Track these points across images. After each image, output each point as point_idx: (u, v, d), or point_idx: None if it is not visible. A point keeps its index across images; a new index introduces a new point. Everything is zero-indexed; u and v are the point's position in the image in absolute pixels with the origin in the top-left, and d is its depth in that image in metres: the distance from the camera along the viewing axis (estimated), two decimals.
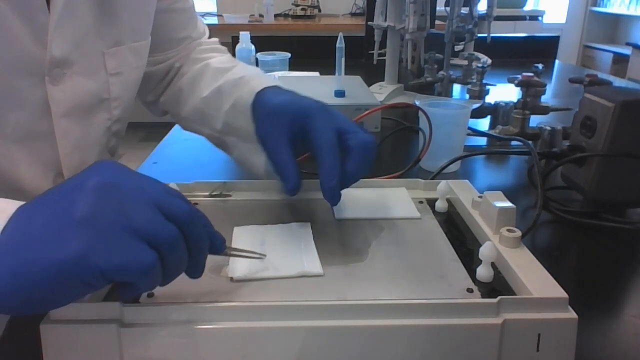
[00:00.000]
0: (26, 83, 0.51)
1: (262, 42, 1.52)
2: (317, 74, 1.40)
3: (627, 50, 3.94)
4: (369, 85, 1.21)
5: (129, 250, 0.32)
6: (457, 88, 1.41)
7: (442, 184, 0.56)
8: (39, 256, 0.31)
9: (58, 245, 0.31)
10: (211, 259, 0.45)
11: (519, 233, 0.45)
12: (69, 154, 0.56)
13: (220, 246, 0.39)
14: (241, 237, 0.48)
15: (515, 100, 0.97)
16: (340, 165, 0.48)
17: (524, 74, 0.99)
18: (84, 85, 0.56)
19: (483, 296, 0.40)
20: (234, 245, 0.47)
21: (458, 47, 1.46)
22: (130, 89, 0.65)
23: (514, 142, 0.90)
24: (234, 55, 1.09)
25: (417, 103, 0.77)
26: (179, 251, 0.34)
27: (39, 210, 0.33)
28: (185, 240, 0.34)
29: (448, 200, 0.57)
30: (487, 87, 1.20)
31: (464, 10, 1.20)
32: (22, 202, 0.34)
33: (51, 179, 0.56)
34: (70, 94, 0.55)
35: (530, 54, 1.84)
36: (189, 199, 0.56)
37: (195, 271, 0.37)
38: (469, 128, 0.83)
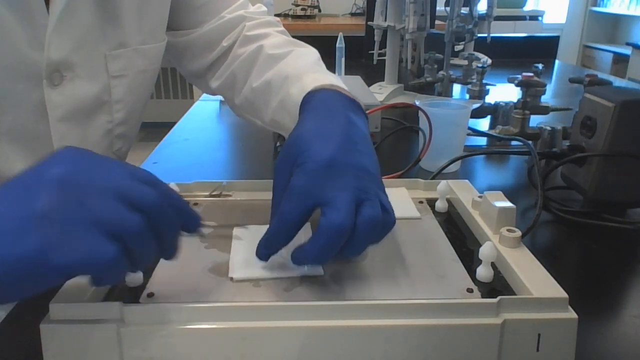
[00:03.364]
0: (23, 86, 0.51)
1: None
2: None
3: (627, 50, 3.94)
4: (369, 85, 1.21)
5: (88, 245, 0.31)
6: (457, 88, 1.41)
7: (442, 184, 0.56)
8: None
9: (15, 242, 0.30)
10: (211, 259, 0.45)
11: (519, 233, 0.45)
12: None
13: (193, 225, 0.38)
14: (241, 237, 0.48)
15: (515, 100, 0.97)
16: (283, 238, 0.41)
17: (524, 74, 0.99)
18: (84, 88, 0.55)
19: (483, 296, 0.40)
20: (234, 245, 0.47)
21: (458, 47, 1.46)
22: (136, 92, 0.63)
23: (514, 142, 0.90)
24: None
25: (417, 103, 0.77)
26: (145, 240, 0.33)
27: None
28: (153, 227, 0.34)
29: (448, 200, 0.57)
30: (487, 87, 1.20)
31: (464, 10, 1.20)
32: None
33: None
34: (69, 97, 0.54)
35: (530, 54, 1.84)
36: (188, 199, 0.57)
37: (168, 253, 0.37)
38: (469, 128, 0.83)
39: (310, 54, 0.64)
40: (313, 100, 0.51)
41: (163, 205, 0.34)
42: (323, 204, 0.39)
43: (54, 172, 0.32)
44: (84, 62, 0.54)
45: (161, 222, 0.34)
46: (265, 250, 0.42)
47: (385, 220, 0.41)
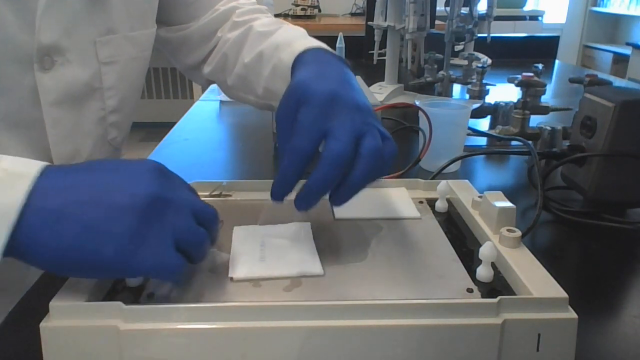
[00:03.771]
0: (14, 70, 0.51)
1: None
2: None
3: (627, 50, 3.94)
4: (369, 85, 1.21)
5: (161, 256, 0.36)
6: (457, 88, 1.41)
7: (442, 184, 0.56)
8: (83, 247, 0.35)
9: (102, 245, 0.35)
10: (211, 259, 0.45)
11: (519, 233, 0.45)
12: (59, 142, 0.56)
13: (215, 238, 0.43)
14: (241, 237, 0.48)
15: (515, 100, 0.97)
16: (297, 171, 0.43)
17: (524, 74, 0.99)
18: (75, 73, 0.55)
19: (483, 296, 0.40)
20: (234, 245, 0.47)
21: (458, 47, 1.46)
22: (128, 79, 0.63)
23: (514, 142, 0.90)
24: None
25: (417, 103, 0.77)
26: (206, 249, 0.40)
27: (80, 198, 0.36)
28: (211, 238, 0.40)
29: (448, 200, 0.57)
30: (487, 87, 1.20)
31: (464, 10, 1.20)
32: (39, 163, 0.37)
33: None
34: (60, 82, 0.54)
35: (530, 54, 1.84)
36: None
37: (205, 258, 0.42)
38: (469, 128, 0.83)
39: (299, 29, 0.66)
40: (304, 58, 0.54)
41: (217, 220, 0.41)
42: (327, 135, 0.42)
43: (143, 191, 0.37)
44: (74, 48, 0.54)
45: (215, 234, 0.41)
46: (279, 189, 0.43)
47: (387, 149, 0.44)
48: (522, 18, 3.97)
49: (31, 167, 0.36)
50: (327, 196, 0.44)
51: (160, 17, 0.68)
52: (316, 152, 0.42)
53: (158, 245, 0.36)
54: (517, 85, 0.98)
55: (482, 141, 0.96)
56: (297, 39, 0.59)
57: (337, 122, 0.42)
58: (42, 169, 0.36)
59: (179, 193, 0.39)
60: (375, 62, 1.32)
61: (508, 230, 0.45)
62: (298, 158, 0.42)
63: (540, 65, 1.15)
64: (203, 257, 0.40)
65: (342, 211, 0.54)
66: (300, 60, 0.55)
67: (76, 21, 0.54)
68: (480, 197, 0.52)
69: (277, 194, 0.43)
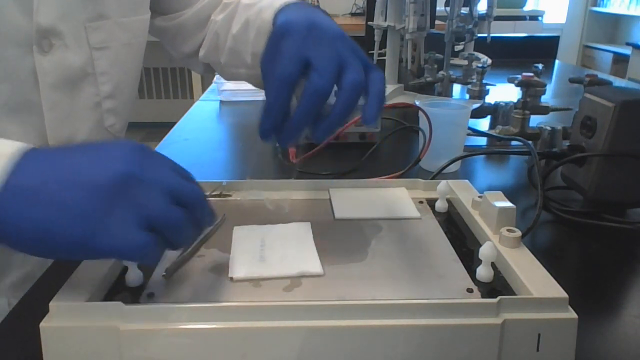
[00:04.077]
0: (14, 53, 0.51)
1: None
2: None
3: (627, 50, 3.94)
4: None
5: (124, 236, 0.34)
6: (457, 88, 1.41)
7: (442, 184, 0.56)
8: (51, 227, 0.34)
9: (69, 226, 0.34)
10: (211, 259, 0.45)
11: (519, 233, 0.45)
12: (56, 126, 0.56)
13: (211, 221, 0.41)
14: (241, 237, 0.48)
15: (515, 100, 0.97)
16: (282, 101, 0.43)
17: (524, 74, 0.98)
18: (71, 57, 0.56)
19: (483, 296, 0.40)
20: (234, 245, 0.47)
21: (458, 47, 1.46)
22: (122, 66, 0.63)
23: (514, 142, 0.90)
24: None
25: (417, 103, 0.77)
26: (183, 230, 0.37)
27: (54, 178, 0.35)
28: (192, 219, 0.38)
29: (448, 200, 0.57)
30: (487, 87, 1.20)
31: (464, 10, 1.20)
32: (16, 144, 0.36)
33: None
34: (58, 65, 0.55)
35: (530, 54, 1.84)
36: None
37: (189, 242, 0.41)
38: (469, 128, 0.83)
39: None
40: (284, 10, 0.54)
41: (201, 200, 0.39)
42: (310, 65, 0.43)
43: (115, 169, 0.35)
44: (69, 31, 0.55)
45: (198, 215, 0.38)
46: (266, 120, 0.43)
47: (372, 80, 0.44)
48: (522, 18, 3.97)
49: (10, 147, 0.35)
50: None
51: (154, 6, 0.69)
52: (298, 79, 0.43)
53: (122, 225, 0.34)
54: (517, 85, 0.98)
55: (482, 141, 0.96)
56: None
57: (319, 51, 0.43)
58: (22, 148, 0.36)
59: (158, 172, 0.37)
60: (375, 62, 1.32)
61: (508, 230, 0.45)
62: (282, 86, 0.43)
63: (540, 65, 1.15)
64: (184, 241, 0.38)
65: (342, 211, 0.54)
66: (280, 13, 0.54)
67: (70, 5, 0.55)
68: (480, 197, 0.52)
69: (265, 127, 0.44)
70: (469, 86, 1.21)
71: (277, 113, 0.43)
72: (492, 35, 1.23)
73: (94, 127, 0.62)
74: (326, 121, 0.43)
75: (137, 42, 0.65)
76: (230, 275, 0.42)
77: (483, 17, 1.21)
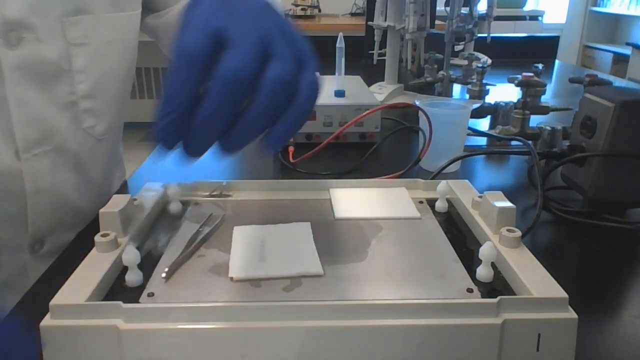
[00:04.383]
0: None
1: None
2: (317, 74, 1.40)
3: (627, 50, 3.94)
4: (369, 85, 1.21)
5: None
6: (457, 88, 1.41)
7: (442, 184, 0.56)
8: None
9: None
10: (211, 259, 0.45)
11: (519, 233, 0.45)
12: (24, 124, 0.53)
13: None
14: (241, 237, 0.48)
15: (515, 100, 0.97)
16: (182, 84, 0.31)
17: (524, 74, 0.98)
18: (43, 52, 0.53)
19: (483, 296, 0.40)
20: (234, 245, 0.47)
21: (458, 47, 1.46)
22: (104, 64, 0.59)
23: (514, 142, 0.90)
24: None
25: (417, 103, 0.77)
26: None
27: None
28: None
29: (448, 200, 0.57)
30: (487, 87, 1.20)
31: (464, 10, 1.20)
32: None
33: (12, 152, 0.54)
34: (27, 59, 0.52)
35: (530, 54, 1.84)
36: (188, 199, 0.57)
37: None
38: (469, 128, 0.83)
39: None
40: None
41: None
42: (223, 39, 0.32)
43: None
44: (43, 25, 0.52)
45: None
46: (163, 114, 0.31)
47: (302, 81, 0.33)
48: (522, 18, 3.97)
49: None
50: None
51: (145, 2, 0.65)
52: (209, 57, 0.32)
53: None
54: (517, 85, 0.98)
55: (482, 141, 0.96)
56: None
57: (237, 22, 0.32)
58: None
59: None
60: (375, 62, 1.32)
61: (508, 230, 0.45)
62: (184, 64, 0.31)
63: (540, 65, 1.15)
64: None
65: (342, 211, 0.54)
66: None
67: None
68: (480, 197, 0.52)
69: (162, 126, 0.31)
70: (469, 86, 1.21)
71: (177, 105, 0.31)
72: (492, 35, 1.23)
73: (70, 128, 0.58)
74: (236, 129, 0.32)
75: (123, 39, 0.61)
76: (230, 275, 0.42)
77: (483, 17, 1.21)
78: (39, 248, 0.60)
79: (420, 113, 0.77)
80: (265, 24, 0.34)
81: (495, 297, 0.37)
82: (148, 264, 0.44)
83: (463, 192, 0.56)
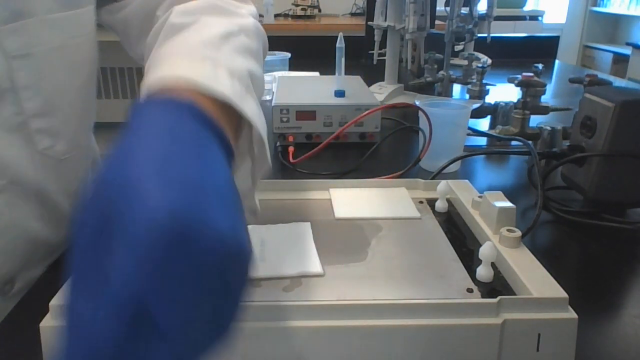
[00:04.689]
0: None
1: None
2: (317, 74, 1.40)
3: (627, 50, 3.94)
4: (369, 85, 1.21)
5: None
6: (457, 88, 1.41)
7: (442, 184, 0.56)
8: None
9: None
10: None
11: (519, 233, 0.45)
12: None
13: None
14: None
15: (515, 100, 0.97)
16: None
17: (524, 74, 0.98)
18: None
19: (483, 296, 0.40)
20: None
21: (458, 47, 1.46)
22: (53, 75, 0.50)
23: (514, 142, 0.90)
24: None
25: (417, 103, 0.77)
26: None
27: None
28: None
29: (448, 200, 0.57)
30: (487, 87, 1.20)
31: (464, 10, 1.19)
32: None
33: None
34: None
35: (530, 54, 1.84)
36: None
37: None
38: (469, 128, 0.83)
39: (218, 25, 0.42)
40: (142, 109, 0.29)
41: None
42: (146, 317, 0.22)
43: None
44: None
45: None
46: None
47: None
48: (522, 18, 3.97)
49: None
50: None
51: None
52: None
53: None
54: (517, 85, 0.98)
55: (482, 141, 0.96)
56: (179, 54, 0.37)
57: (168, 301, 0.22)
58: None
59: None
60: (375, 62, 1.32)
61: (508, 230, 0.45)
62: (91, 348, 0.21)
63: (540, 65, 1.15)
64: None
65: (342, 211, 0.54)
66: (135, 110, 0.29)
67: None
68: (480, 197, 0.52)
69: None
70: (469, 86, 1.21)
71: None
72: (492, 35, 1.23)
73: (22, 153, 0.50)
74: None
75: (76, 43, 0.52)
76: None
77: (483, 17, 1.21)
78: (9, 289, 0.52)
79: (420, 113, 0.77)
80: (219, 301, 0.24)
81: (495, 297, 0.37)
82: None
83: (463, 192, 0.56)
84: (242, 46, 0.41)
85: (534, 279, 0.40)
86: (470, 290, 0.41)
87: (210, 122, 0.29)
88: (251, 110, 0.34)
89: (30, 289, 0.50)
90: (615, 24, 4.51)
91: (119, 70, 3.80)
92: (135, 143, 0.25)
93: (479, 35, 1.25)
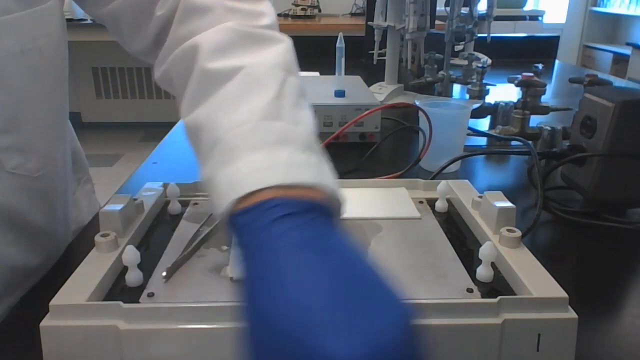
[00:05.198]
0: None
1: None
2: (317, 74, 1.40)
3: (627, 50, 3.94)
4: (369, 85, 1.21)
5: None
6: (457, 88, 1.41)
7: (442, 184, 0.56)
8: None
9: None
10: (211, 259, 0.45)
11: (519, 233, 0.45)
12: None
13: None
14: None
15: (515, 100, 0.97)
16: None
17: (524, 74, 0.99)
18: None
19: (483, 296, 0.40)
20: (234, 244, 0.47)
21: (458, 47, 1.46)
22: (13, 87, 0.44)
23: (514, 142, 0.90)
24: None
25: (417, 103, 0.77)
26: None
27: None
28: None
29: (448, 200, 0.57)
30: (487, 87, 1.20)
31: (464, 10, 1.20)
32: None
33: None
34: None
35: (530, 54, 1.84)
36: (188, 199, 0.57)
37: None
38: (469, 128, 0.83)
39: (265, 75, 0.38)
40: (253, 232, 0.29)
41: None
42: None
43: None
44: None
45: None
46: None
47: None
48: (522, 18, 3.97)
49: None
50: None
51: None
52: None
53: None
54: (517, 85, 0.98)
55: (482, 141, 0.96)
56: (246, 140, 0.34)
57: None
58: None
59: None
60: (375, 62, 1.32)
61: (508, 230, 0.45)
62: None
63: (540, 65, 1.15)
64: None
65: None
66: (243, 231, 0.31)
67: None
68: (480, 197, 0.52)
69: None
70: (469, 86, 1.21)
71: None
72: (492, 35, 1.23)
73: None
74: None
75: (38, 46, 0.45)
76: (230, 275, 0.42)
77: (483, 17, 1.21)
78: None
79: (420, 113, 0.77)
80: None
81: (495, 297, 0.37)
82: (148, 264, 0.44)
83: (463, 192, 0.56)
84: (295, 93, 0.39)
85: (534, 279, 0.40)
86: (470, 290, 0.41)
87: (327, 211, 0.31)
88: (333, 183, 0.34)
89: (29, 290, 0.50)
90: (615, 24, 4.51)
91: (119, 70, 3.80)
92: (289, 277, 0.25)
93: (479, 35, 1.25)
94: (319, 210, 0.30)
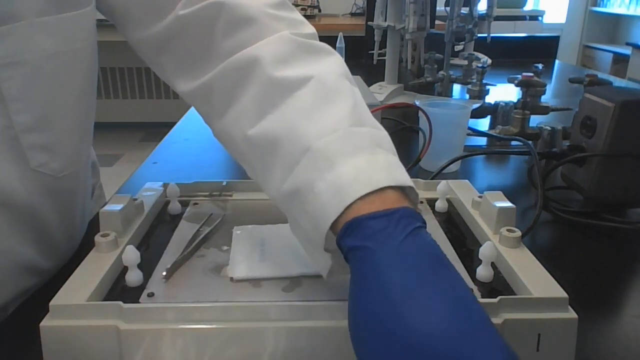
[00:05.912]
0: None
1: None
2: None
3: (627, 50, 3.94)
4: (369, 85, 1.21)
5: None
6: (457, 88, 1.41)
7: (442, 184, 0.56)
8: None
9: None
10: (211, 259, 0.45)
11: (519, 233, 0.45)
12: None
13: None
14: (241, 237, 0.48)
15: (515, 100, 0.97)
16: None
17: (524, 74, 0.98)
18: None
19: (483, 296, 0.40)
20: (234, 245, 0.47)
21: (458, 47, 1.46)
22: (47, 86, 0.45)
23: (514, 142, 0.90)
24: None
25: (417, 103, 0.77)
26: None
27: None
28: None
29: (448, 200, 0.57)
30: (487, 87, 1.20)
31: (464, 10, 1.20)
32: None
33: None
34: None
35: (530, 54, 1.84)
36: (188, 199, 0.57)
37: None
38: (469, 128, 0.83)
39: (341, 93, 0.39)
40: (389, 238, 0.31)
41: None
42: None
43: None
44: None
45: None
46: None
47: None
48: (522, 18, 3.97)
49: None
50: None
51: (104, 8, 0.50)
52: None
53: None
54: (517, 85, 0.98)
55: (482, 141, 0.96)
56: (343, 145, 0.35)
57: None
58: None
59: None
60: (375, 62, 1.32)
61: (508, 230, 0.45)
62: None
63: (540, 65, 1.15)
64: None
65: None
66: (359, 245, 0.31)
67: None
68: (480, 197, 0.52)
69: None
70: (469, 86, 1.21)
71: None
72: (492, 35, 1.23)
73: (15, 169, 0.45)
74: None
75: (72, 49, 0.46)
76: (230, 275, 0.42)
77: (483, 17, 1.21)
78: (2, 316, 0.47)
79: (420, 113, 0.77)
80: None
81: (495, 297, 0.37)
82: (148, 264, 0.44)
83: (463, 192, 0.56)
84: (361, 97, 0.40)
85: (534, 279, 0.40)
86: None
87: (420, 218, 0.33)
88: (408, 177, 0.36)
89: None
90: (615, 24, 4.51)
91: (119, 70, 3.80)
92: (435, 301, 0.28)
93: (479, 35, 1.25)
94: (419, 217, 0.33)
